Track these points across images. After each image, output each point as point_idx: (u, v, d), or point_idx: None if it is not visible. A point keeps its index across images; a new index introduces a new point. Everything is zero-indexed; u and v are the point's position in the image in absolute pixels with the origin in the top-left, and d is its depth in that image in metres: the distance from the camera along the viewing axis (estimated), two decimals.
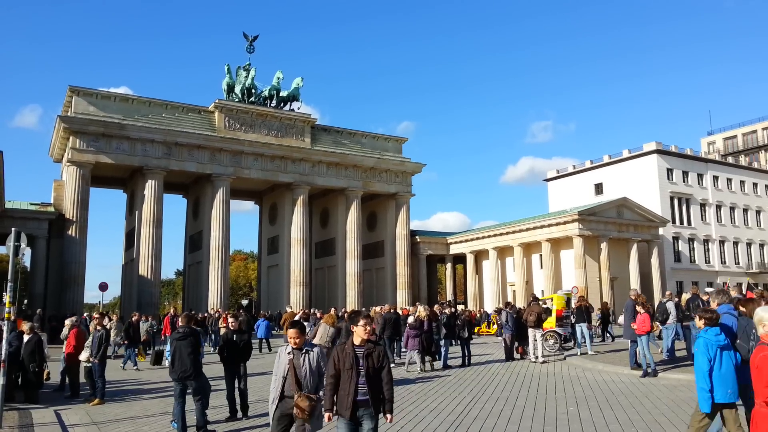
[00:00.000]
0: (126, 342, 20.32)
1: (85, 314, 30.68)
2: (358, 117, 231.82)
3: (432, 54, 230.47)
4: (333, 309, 26.02)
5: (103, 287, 31.16)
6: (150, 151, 40.79)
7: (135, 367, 19.39)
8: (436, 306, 21.29)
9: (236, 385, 10.63)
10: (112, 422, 10.57)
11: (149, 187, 40.77)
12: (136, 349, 20.63)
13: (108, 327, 13.62)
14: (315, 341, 13.50)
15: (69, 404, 12.64)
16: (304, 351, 6.07)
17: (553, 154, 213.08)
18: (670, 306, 17.27)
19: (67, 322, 14.60)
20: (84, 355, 12.85)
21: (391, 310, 20.71)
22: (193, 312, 25.21)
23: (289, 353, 6.09)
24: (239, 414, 10.54)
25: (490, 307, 47.38)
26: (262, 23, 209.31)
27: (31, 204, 39.88)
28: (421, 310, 17.42)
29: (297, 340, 6.08)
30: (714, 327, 6.92)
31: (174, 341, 9.40)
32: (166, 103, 42.60)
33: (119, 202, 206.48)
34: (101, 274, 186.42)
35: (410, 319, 17.53)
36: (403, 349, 19.30)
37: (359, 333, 5.66)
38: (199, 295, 44.35)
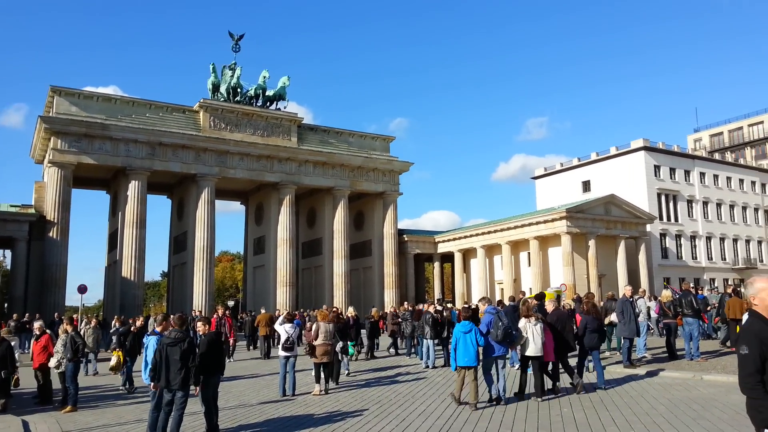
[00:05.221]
0: (118, 351, 14.68)
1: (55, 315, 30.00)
2: (349, 118, 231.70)
3: (431, 56, 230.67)
4: (325, 306, 25.56)
5: (82, 290, 30.37)
6: (133, 152, 40.04)
7: (134, 389, 14.98)
8: (426, 305, 21.04)
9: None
10: (83, 431, 10.04)
11: (132, 188, 40.02)
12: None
13: (82, 331, 13.03)
14: (317, 342, 13.10)
15: (40, 411, 12.10)
16: None
17: (547, 151, 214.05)
18: (641, 303, 17.08)
19: (36, 324, 13.86)
20: (53, 362, 12.26)
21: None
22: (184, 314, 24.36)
23: None
24: None
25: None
26: (250, 24, 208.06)
27: (12, 206, 39.00)
28: (351, 310, 19.51)
29: None
30: (464, 321, 10.80)
31: (164, 346, 8.76)
32: (149, 103, 41.88)
33: (102, 204, 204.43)
34: (83, 276, 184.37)
35: None
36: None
37: None
38: (184, 296, 43.68)
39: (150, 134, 40.13)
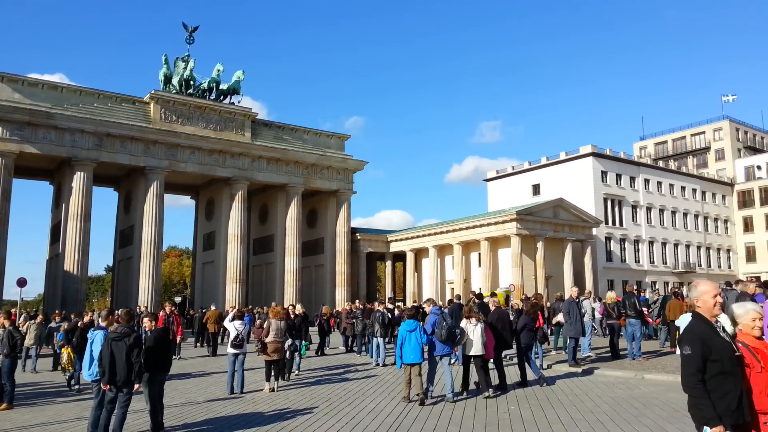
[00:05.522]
0: (68, 348, 14.07)
1: None
2: (305, 115, 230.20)
3: (388, 56, 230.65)
4: (273, 303, 25.34)
5: (21, 283, 29.23)
6: (79, 142, 38.80)
7: (76, 386, 14.20)
8: (377, 303, 21.16)
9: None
10: (19, 429, 9.67)
11: (78, 180, 38.79)
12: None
13: (21, 326, 12.51)
14: (269, 339, 13.01)
15: None
16: None
17: (500, 154, 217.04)
18: (586, 304, 17.64)
19: None
20: None
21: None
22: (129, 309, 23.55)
23: None
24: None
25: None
26: (206, 18, 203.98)
27: None
28: (299, 307, 18.94)
29: None
30: (408, 320, 11.42)
31: (110, 342, 8.44)
32: (98, 93, 40.66)
33: (45, 195, 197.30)
34: (23, 269, 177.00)
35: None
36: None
37: None
38: (129, 292, 42.59)
39: (97, 124, 38.96)
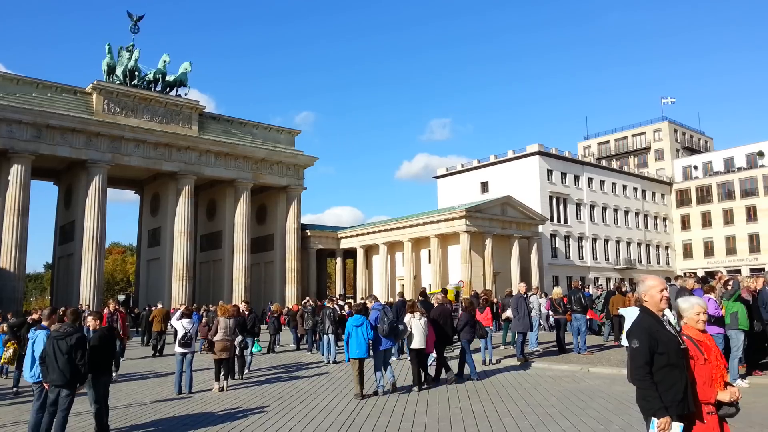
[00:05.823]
0: (15, 344, 13.85)
1: None
2: (254, 110, 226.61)
3: (339, 53, 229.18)
4: (221, 302, 24.94)
5: None
6: (16, 133, 37.24)
7: (15, 388, 13.56)
8: (327, 300, 21.08)
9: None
10: None
11: (14, 173, 37.27)
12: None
13: None
14: (217, 338, 12.80)
15: None
16: None
17: (449, 152, 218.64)
18: (534, 300, 18.10)
19: None
20: None
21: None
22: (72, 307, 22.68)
23: None
24: None
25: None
26: (153, 8, 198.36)
27: None
28: (243, 306, 18.67)
29: None
30: (356, 315, 11.80)
31: (52, 341, 8.08)
32: (36, 82, 39.12)
33: None
34: None
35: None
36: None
37: None
38: (70, 290, 41.19)
39: (36, 115, 37.48)
